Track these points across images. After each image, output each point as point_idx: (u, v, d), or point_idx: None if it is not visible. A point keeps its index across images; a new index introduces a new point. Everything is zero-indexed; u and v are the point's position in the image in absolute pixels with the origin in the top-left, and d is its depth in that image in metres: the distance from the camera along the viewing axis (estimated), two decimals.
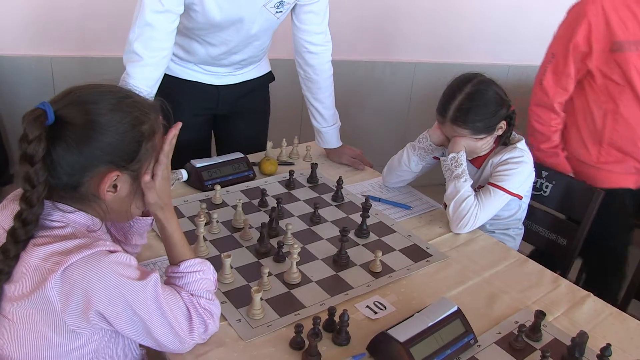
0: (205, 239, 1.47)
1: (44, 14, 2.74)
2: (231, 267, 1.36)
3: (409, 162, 1.82)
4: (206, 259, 1.38)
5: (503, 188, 1.66)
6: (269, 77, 2.11)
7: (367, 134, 3.44)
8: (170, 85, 1.87)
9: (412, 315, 1.19)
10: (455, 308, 1.21)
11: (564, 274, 1.93)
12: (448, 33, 3.44)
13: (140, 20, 1.58)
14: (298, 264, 1.38)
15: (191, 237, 1.42)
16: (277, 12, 1.75)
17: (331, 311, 1.19)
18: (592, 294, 1.44)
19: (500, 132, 1.71)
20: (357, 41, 3.27)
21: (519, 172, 1.68)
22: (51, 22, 2.76)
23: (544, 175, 1.99)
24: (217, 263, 1.31)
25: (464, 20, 3.43)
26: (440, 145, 1.76)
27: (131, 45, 1.61)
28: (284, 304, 1.28)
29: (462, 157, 1.67)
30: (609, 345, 1.15)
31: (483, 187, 1.70)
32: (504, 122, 1.69)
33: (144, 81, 1.62)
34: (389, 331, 1.14)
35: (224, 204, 1.69)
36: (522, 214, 1.85)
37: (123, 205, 1.08)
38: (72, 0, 2.73)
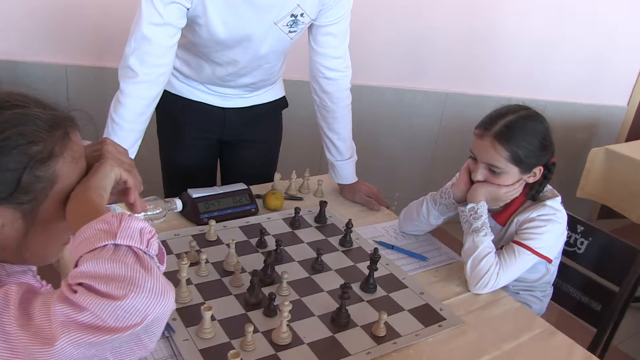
0: (189, 283, 1.31)
1: (61, 21, 2.65)
2: (213, 320, 1.19)
3: (428, 216, 1.65)
4: (188, 306, 1.25)
5: (529, 248, 1.48)
6: (282, 102, 1.96)
7: (390, 166, 3.28)
8: (172, 104, 1.75)
9: None
10: None
11: (599, 340, 1.73)
12: (482, 64, 3.28)
13: (137, 33, 1.45)
14: (291, 320, 1.20)
15: (174, 279, 1.26)
16: (290, 31, 1.60)
17: None
18: None
19: (532, 180, 1.52)
20: (387, 66, 3.12)
21: (549, 231, 1.49)
22: (68, 29, 2.67)
23: (579, 230, 1.78)
24: (199, 313, 1.16)
25: (498, 51, 3.27)
26: (464, 202, 1.57)
27: (127, 60, 1.48)
28: None
29: (483, 208, 1.50)
30: None
31: (507, 245, 1.52)
32: (541, 168, 1.51)
33: (139, 100, 1.49)
34: None
35: (218, 241, 1.53)
36: (551, 277, 1.65)
37: (23, 246, 0.84)
38: (90, 9, 2.63)
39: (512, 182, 1.50)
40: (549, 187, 1.58)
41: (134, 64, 1.47)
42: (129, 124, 1.52)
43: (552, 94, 3.46)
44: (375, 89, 3.08)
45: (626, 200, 2.98)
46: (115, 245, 0.74)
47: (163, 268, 0.82)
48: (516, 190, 1.53)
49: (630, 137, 3.80)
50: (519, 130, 1.46)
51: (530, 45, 3.34)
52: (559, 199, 1.56)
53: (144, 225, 0.78)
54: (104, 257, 0.72)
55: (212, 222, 1.53)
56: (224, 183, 1.83)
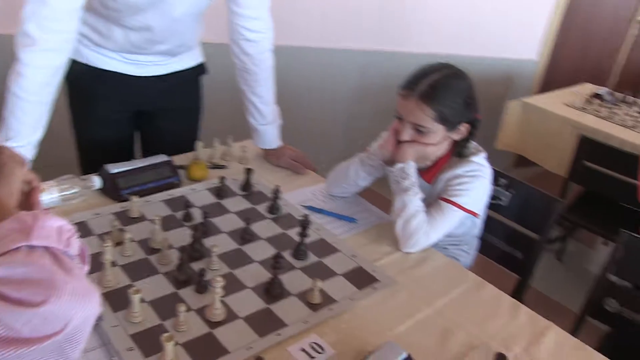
0: (114, 265, 1.25)
1: None
2: (142, 302, 1.14)
3: (356, 177, 1.64)
4: (114, 289, 1.19)
5: (457, 204, 1.50)
6: (200, 69, 1.87)
7: (313, 128, 3.24)
8: (83, 74, 1.63)
9: None
10: (405, 355, 1.04)
11: (522, 286, 1.80)
12: (401, 21, 3.27)
13: None
14: (224, 295, 1.17)
15: (98, 262, 1.20)
16: None
17: None
18: (553, 324, 1.30)
19: (458, 137, 1.54)
20: (305, 27, 3.04)
21: (475, 187, 1.52)
22: None
23: (501, 183, 1.83)
24: (126, 297, 1.10)
25: (417, 8, 3.27)
26: (392, 163, 1.56)
27: (23, 26, 1.33)
28: (204, 349, 1.07)
29: (411, 168, 1.50)
30: None
31: (434, 202, 1.53)
32: (467, 125, 1.53)
33: (40, 70, 1.37)
34: None
35: (142, 218, 1.46)
36: (478, 230, 1.69)
37: None
38: None
39: (439, 140, 1.51)
40: (473, 143, 1.60)
41: (31, 30, 1.33)
42: (34, 96, 1.39)
43: (469, 50, 3.51)
44: (294, 50, 3.01)
45: (541, 151, 3.10)
46: (30, 246, 0.67)
47: (86, 269, 0.76)
48: (443, 148, 1.54)
49: (543, 89, 3.95)
50: (443, 90, 1.45)
51: (449, 1, 3.35)
52: (483, 154, 1.58)
53: (62, 222, 0.72)
54: (16, 260, 0.65)
55: (134, 198, 1.46)
56: (144, 156, 1.74)
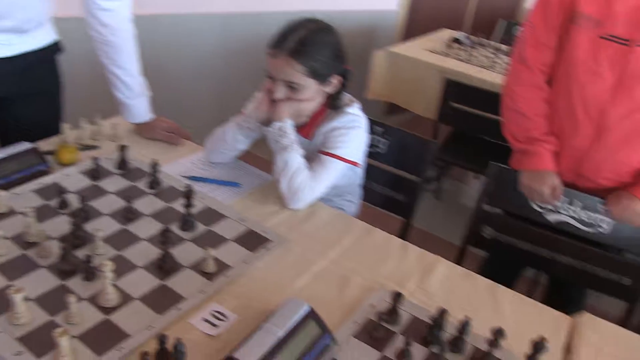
0: None
1: None
2: (26, 301, 1.07)
3: (235, 141, 1.62)
4: None
5: (337, 156, 1.53)
6: (55, 47, 1.74)
7: (182, 97, 3.14)
8: None
9: (260, 327, 1.01)
10: (308, 308, 1.06)
11: (407, 226, 1.89)
12: None
13: None
14: (114, 278, 1.12)
15: None
16: None
17: (162, 340, 0.96)
18: (440, 257, 1.39)
19: (330, 89, 1.55)
20: None
21: (353, 138, 1.56)
22: None
23: (377, 132, 1.88)
24: (6, 299, 1.03)
25: None
26: (269, 123, 1.55)
27: None
28: (102, 337, 1.03)
29: (288, 126, 1.50)
30: (467, 318, 1.09)
31: (315, 157, 1.55)
32: (338, 77, 1.54)
33: None
34: (235, 354, 0.95)
35: (12, 213, 1.35)
36: (359, 179, 1.74)
37: None
38: None
39: (312, 95, 1.52)
40: (347, 95, 1.63)
41: None
42: None
43: (332, 4, 3.53)
44: (152, 18, 2.88)
45: (410, 96, 3.22)
46: None
47: None
48: (317, 103, 1.56)
49: (405, 37, 4.08)
50: (311, 44, 1.46)
51: None
52: (357, 105, 1.62)
53: None
54: None
55: (1, 193, 1.35)
56: (4, 146, 1.61)
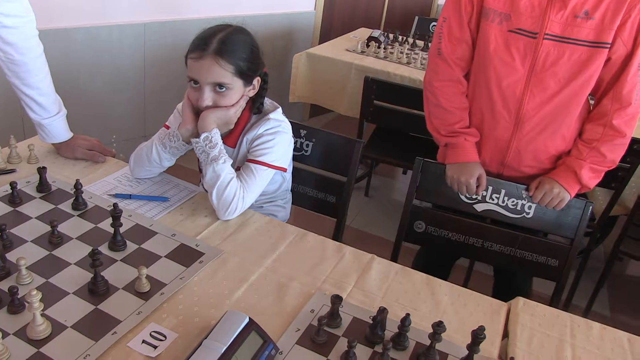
0: None
1: None
2: None
3: (160, 160, 1.59)
4: None
5: (264, 163, 1.53)
6: None
7: (101, 111, 3.04)
8: None
9: (201, 343, 1.00)
10: (247, 320, 1.05)
11: (339, 227, 1.90)
12: None
13: None
14: (44, 307, 1.07)
15: None
16: None
17: None
18: (375, 255, 1.41)
19: (252, 93, 1.55)
20: (71, 5, 2.81)
21: (278, 143, 1.56)
22: None
23: (302, 134, 1.89)
24: None
25: None
26: (196, 135, 1.52)
27: None
28: None
29: (217, 136, 1.48)
30: (408, 315, 1.11)
31: (243, 166, 1.55)
32: (259, 79, 1.55)
33: None
34: None
35: None
36: (288, 184, 1.75)
37: None
38: None
39: (238, 98, 1.50)
40: (268, 100, 1.63)
41: None
42: None
43: (248, 9, 3.52)
44: (64, 32, 2.78)
45: (332, 97, 3.25)
46: None
47: None
48: (242, 107, 1.55)
49: (323, 39, 4.11)
50: (235, 43, 1.46)
51: None
52: (280, 110, 1.62)
53: None
54: None
55: None
56: None
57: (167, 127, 1.62)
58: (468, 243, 1.81)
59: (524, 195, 1.72)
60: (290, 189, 1.81)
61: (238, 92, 1.50)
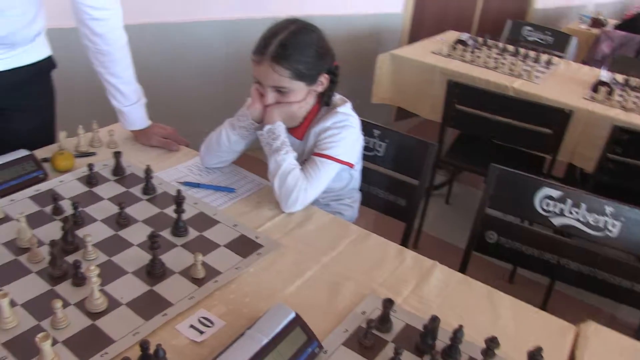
0: None
1: None
2: (14, 306, 1.08)
3: (230, 142, 1.61)
4: None
5: (330, 156, 1.52)
6: (48, 63, 1.75)
7: (188, 103, 3.15)
8: None
9: (243, 333, 1.01)
10: (293, 315, 1.05)
11: (408, 231, 1.86)
12: None
13: None
14: (103, 283, 1.14)
15: None
16: None
17: (144, 346, 0.96)
18: (437, 263, 1.36)
19: (320, 88, 1.55)
20: (162, 2, 2.93)
21: (345, 137, 1.54)
22: None
23: (375, 135, 1.87)
24: None
25: None
26: (262, 122, 1.55)
27: None
28: (87, 343, 1.03)
29: (279, 128, 1.50)
30: (461, 327, 1.06)
31: (308, 159, 1.55)
32: (326, 76, 1.54)
33: None
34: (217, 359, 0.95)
35: (7, 218, 1.36)
36: (356, 182, 1.73)
37: None
38: None
39: (302, 96, 1.51)
40: (338, 95, 1.62)
41: None
42: None
43: (334, 9, 3.53)
44: (156, 26, 2.90)
45: (414, 100, 3.20)
46: None
47: None
48: (308, 103, 1.55)
49: (411, 40, 4.06)
50: (293, 46, 1.45)
51: None
52: (349, 104, 1.61)
53: None
54: None
55: None
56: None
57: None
58: (543, 259, 1.72)
59: (607, 212, 1.61)
60: (358, 187, 1.79)
61: (301, 92, 1.51)
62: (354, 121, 1.59)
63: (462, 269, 1.81)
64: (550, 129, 2.59)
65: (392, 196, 1.92)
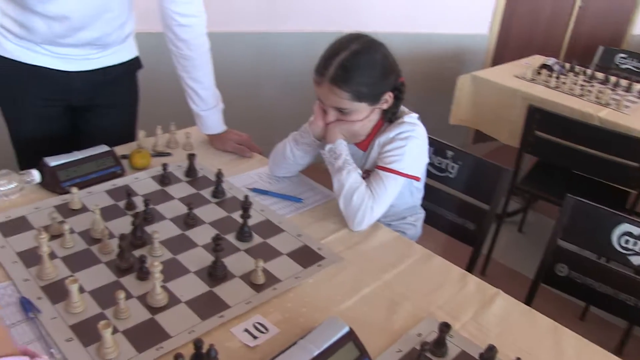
0: (54, 256, 1.23)
1: None
2: (82, 292, 1.13)
3: (294, 156, 1.63)
4: (54, 282, 1.17)
5: (394, 170, 1.48)
6: (135, 63, 1.84)
7: (271, 112, 3.21)
8: (7, 69, 1.59)
9: (296, 342, 1.01)
10: (347, 329, 1.04)
11: (475, 257, 1.81)
12: (348, 2, 3.25)
13: None
14: (166, 280, 1.17)
15: (35, 256, 1.18)
16: None
17: (197, 344, 0.98)
18: (501, 291, 1.31)
19: (385, 106, 1.51)
20: (254, 11, 3.01)
21: (410, 149, 1.50)
22: None
23: (449, 155, 1.84)
24: (65, 289, 1.08)
25: None
26: (324, 139, 1.54)
27: None
28: (145, 335, 1.06)
29: (340, 147, 1.49)
30: (518, 359, 1.02)
31: (372, 173, 1.52)
32: (391, 94, 1.49)
33: None
34: None
35: (83, 209, 1.43)
36: (419, 198, 1.69)
37: None
38: None
39: (365, 115, 1.48)
40: (406, 109, 1.58)
41: None
42: None
43: (417, 27, 3.51)
44: (242, 35, 2.98)
45: (494, 123, 3.13)
46: None
47: None
48: (372, 121, 1.52)
49: (494, 63, 3.98)
50: (354, 69, 1.40)
51: None
52: (415, 115, 1.56)
53: None
54: None
55: (75, 190, 1.43)
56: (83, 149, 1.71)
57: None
58: (619, 299, 1.63)
59: None
60: (421, 204, 1.75)
61: (364, 112, 1.47)
62: (420, 132, 1.54)
63: (528, 301, 1.74)
64: (637, 162, 2.46)
65: (461, 219, 1.87)
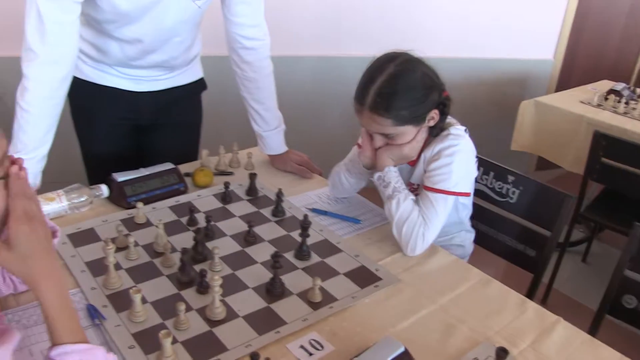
0: (119, 267, 1.28)
1: None
2: (144, 303, 1.17)
3: (349, 184, 1.64)
4: (118, 291, 1.21)
5: (443, 190, 1.44)
6: (200, 84, 1.90)
7: (331, 135, 3.25)
8: (82, 90, 1.66)
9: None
10: (402, 349, 1.03)
11: (535, 284, 1.77)
12: (406, 26, 3.28)
13: (31, 11, 1.35)
14: (225, 294, 1.19)
15: (102, 266, 1.24)
16: None
17: (254, 358, 1.00)
18: (562, 319, 1.28)
19: (432, 123, 1.46)
20: (314, 36, 3.07)
21: (457, 165, 1.45)
22: None
23: (509, 180, 1.81)
24: (130, 297, 1.13)
25: (424, 13, 3.27)
26: (374, 167, 1.53)
27: (26, 42, 1.38)
28: (203, 347, 1.09)
29: (389, 175, 1.47)
30: None
31: (421, 194, 1.49)
32: (436, 111, 1.45)
33: (43, 84, 1.41)
34: None
35: (147, 224, 1.49)
36: (466, 214, 1.65)
37: None
38: None
39: (411, 136, 1.45)
40: (452, 119, 1.54)
41: (33, 44, 1.38)
42: (37, 109, 1.44)
43: (484, 52, 3.49)
44: (303, 59, 3.04)
45: (557, 150, 3.06)
46: None
47: None
48: (419, 141, 1.49)
49: (559, 88, 3.90)
50: (392, 93, 1.37)
51: (458, 5, 3.36)
52: (462, 127, 1.52)
53: None
54: None
55: (140, 205, 1.49)
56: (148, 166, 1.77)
57: (359, 146, 1.59)
58: None
59: None
60: (469, 223, 1.71)
61: (410, 133, 1.44)
62: (466, 144, 1.49)
63: (592, 332, 1.68)
64: None
65: (521, 245, 1.83)
